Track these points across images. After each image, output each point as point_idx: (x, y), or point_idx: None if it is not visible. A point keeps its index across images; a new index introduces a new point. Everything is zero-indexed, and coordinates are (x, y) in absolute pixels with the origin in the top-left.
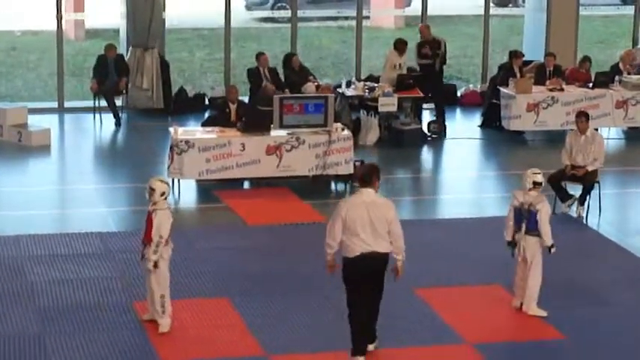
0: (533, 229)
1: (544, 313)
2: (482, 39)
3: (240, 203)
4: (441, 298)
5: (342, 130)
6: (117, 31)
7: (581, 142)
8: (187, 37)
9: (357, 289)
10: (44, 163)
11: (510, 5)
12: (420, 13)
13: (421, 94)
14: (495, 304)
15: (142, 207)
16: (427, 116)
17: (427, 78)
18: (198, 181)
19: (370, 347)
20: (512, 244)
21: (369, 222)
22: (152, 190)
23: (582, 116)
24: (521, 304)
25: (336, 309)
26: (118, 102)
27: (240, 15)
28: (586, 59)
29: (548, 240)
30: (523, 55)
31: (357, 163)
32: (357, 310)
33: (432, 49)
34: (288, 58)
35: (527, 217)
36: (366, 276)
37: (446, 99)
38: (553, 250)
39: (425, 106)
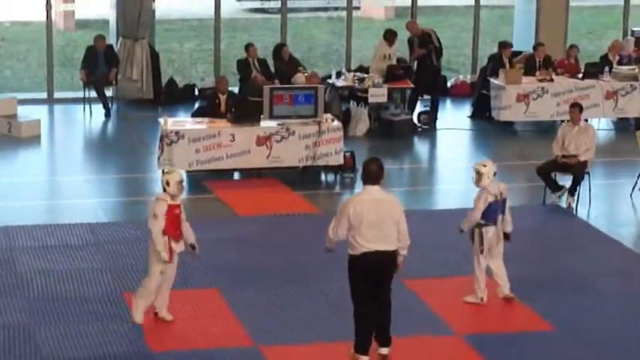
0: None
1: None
2: (472, 30)
3: (231, 194)
4: (431, 289)
5: (332, 120)
6: (107, 22)
7: (573, 132)
8: (177, 28)
9: (362, 286)
10: (34, 153)
11: None
12: (410, 4)
13: (411, 85)
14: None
15: (131, 198)
16: (419, 107)
17: (423, 72)
18: (188, 172)
19: (384, 351)
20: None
21: (376, 221)
22: (182, 182)
23: (576, 107)
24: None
25: (326, 300)
26: (108, 93)
27: (230, 5)
28: (573, 46)
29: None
30: (512, 46)
31: (347, 154)
32: (363, 309)
33: (422, 44)
34: (278, 49)
35: (502, 208)
36: (371, 272)
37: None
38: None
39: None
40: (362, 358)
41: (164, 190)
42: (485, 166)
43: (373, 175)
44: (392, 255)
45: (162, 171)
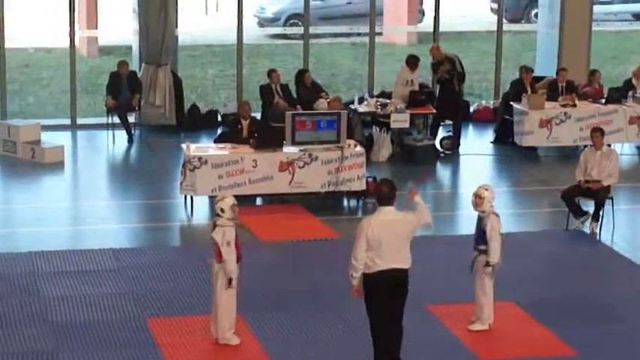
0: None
1: None
2: (494, 55)
3: (253, 220)
4: (454, 314)
5: (355, 146)
6: (130, 48)
7: (596, 157)
8: (200, 54)
9: (378, 305)
10: (57, 179)
11: (523, 21)
12: (432, 30)
13: (433, 111)
14: (508, 321)
15: (154, 223)
16: (441, 132)
17: (445, 97)
18: (210, 198)
19: None
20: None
21: (393, 240)
22: (236, 204)
23: (598, 131)
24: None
25: (349, 326)
26: (131, 119)
27: (253, 31)
28: (595, 71)
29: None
30: (533, 71)
31: (370, 180)
32: (378, 326)
33: (447, 70)
34: (301, 75)
35: None
36: (385, 290)
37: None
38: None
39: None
40: None
41: (218, 216)
42: (487, 190)
43: (386, 196)
44: (406, 273)
45: (214, 201)
